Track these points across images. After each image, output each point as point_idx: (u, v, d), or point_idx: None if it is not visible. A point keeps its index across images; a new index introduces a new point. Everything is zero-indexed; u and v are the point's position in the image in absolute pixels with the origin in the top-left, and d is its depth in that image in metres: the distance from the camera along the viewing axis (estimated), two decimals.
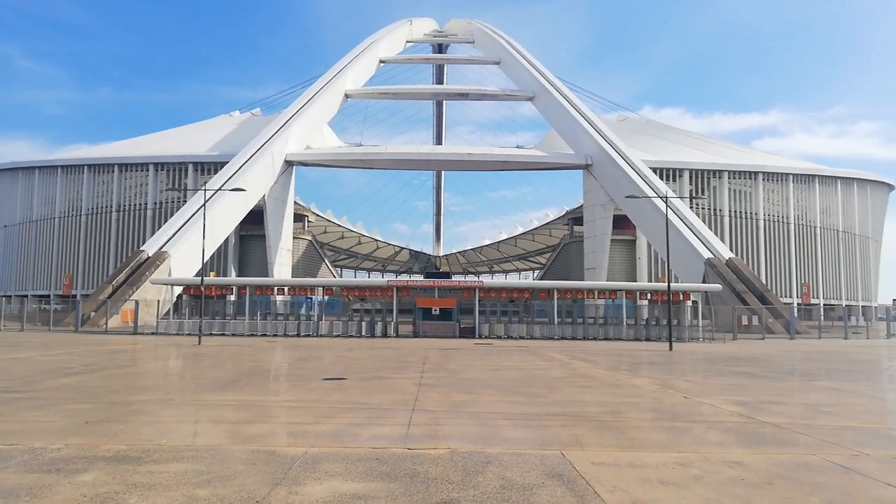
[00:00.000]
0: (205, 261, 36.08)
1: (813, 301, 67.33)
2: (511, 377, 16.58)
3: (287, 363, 20.71)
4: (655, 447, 8.02)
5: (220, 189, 41.32)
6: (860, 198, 73.99)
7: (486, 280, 66.81)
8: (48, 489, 5.84)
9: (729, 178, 67.33)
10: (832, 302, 69.71)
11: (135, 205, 66.26)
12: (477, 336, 38.08)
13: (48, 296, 64.42)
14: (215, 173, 57.16)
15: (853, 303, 71.51)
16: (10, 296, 67.98)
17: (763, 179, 68.14)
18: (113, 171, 66.55)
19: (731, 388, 14.73)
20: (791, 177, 69.29)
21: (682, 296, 40.57)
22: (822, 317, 54.98)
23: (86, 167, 67.50)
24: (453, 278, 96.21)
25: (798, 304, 62.47)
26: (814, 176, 70.87)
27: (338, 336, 37.40)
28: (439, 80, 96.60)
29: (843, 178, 73.05)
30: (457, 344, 31.73)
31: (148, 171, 65.88)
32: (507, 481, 6.28)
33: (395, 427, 9.17)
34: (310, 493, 5.79)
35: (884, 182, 77.76)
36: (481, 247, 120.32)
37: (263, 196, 58.62)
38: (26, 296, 65.86)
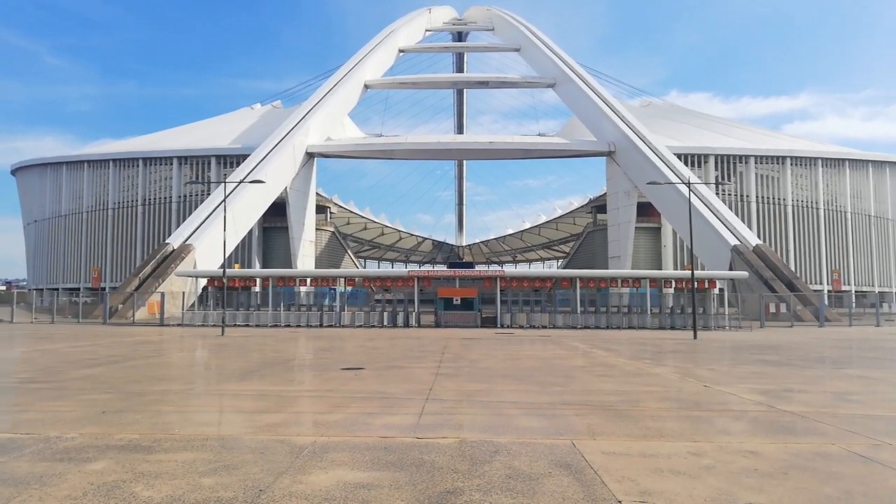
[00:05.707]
0: (228, 253, 36.44)
1: (844, 288, 65.81)
2: (529, 366, 16.48)
3: (308, 353, 20.85)
4: (669, 437, 7.87)
5: (242, 182, 41.66)
6: (893, 182, 72.05)
7: (509, 269, 66.56)
8: (58, 477, 5.92)
9: (756, 163, 65.88)
10: (864, 289, 68.14)
11: (160, 198, 67.16)
12: (499, 326, 37.97)
13: (78, 289, 65.70)
14: (238, 166, 57.60)
15: (886, 289, 69.83)
16: (42, 289, 69.62)
17: (791, 164, 66.61)
18: (138, 166, 67.49)
19: (754, 376, 14.46)
20: (820, 161, 67.63)
21: (707, 283, 39.94)
22: (854, 304, 53.75)
23: (111, 162, 68.50)
24: (476, 268, 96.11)
25: (828, 292, 61.11)
26: (844, 160, 69.12)
27: (360, 326, 37.57)
28: (459, 69, 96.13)
29: (874, 161, 71.18)
30: (478, 334, 31.68)
31: (172, 164, 66.67)
32: (513, 470, 6.21)
33: (406, 416, 9.14)
34: (314, 482, 5.78)
35: None
36: (504, 236, 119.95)
37: (286, 188, 59.01)
38: (57, 289, 67.41)
